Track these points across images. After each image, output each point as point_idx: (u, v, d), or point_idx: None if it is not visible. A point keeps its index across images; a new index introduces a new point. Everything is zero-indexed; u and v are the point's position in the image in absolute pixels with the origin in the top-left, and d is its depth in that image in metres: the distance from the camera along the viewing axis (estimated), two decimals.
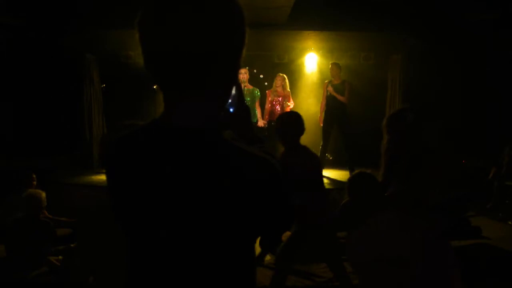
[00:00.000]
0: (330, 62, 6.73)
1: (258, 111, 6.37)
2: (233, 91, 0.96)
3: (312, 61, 7.96)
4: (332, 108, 6.32)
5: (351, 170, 6.41)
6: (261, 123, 6.46)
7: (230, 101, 0.96)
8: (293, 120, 2.91)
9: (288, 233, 2.89)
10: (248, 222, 0.78)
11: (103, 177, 5.54)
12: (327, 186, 5.73)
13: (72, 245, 3.70)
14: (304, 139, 7.77)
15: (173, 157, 0.79)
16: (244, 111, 1.02)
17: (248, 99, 6.25)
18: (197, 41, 0.76)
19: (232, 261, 0.81)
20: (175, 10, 0.75)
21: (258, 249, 4.42)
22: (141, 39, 0.79)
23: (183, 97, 0.81)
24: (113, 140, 0.88)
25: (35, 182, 4.70)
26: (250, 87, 6.35)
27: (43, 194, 3.71)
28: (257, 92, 6.38)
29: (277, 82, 6.66)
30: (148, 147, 0.82)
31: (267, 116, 6.72)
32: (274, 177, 0.79)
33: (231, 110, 0.99)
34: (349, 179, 2.52)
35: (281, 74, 6.77)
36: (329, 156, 7.15)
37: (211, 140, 0.80)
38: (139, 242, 0.85)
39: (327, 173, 6.55)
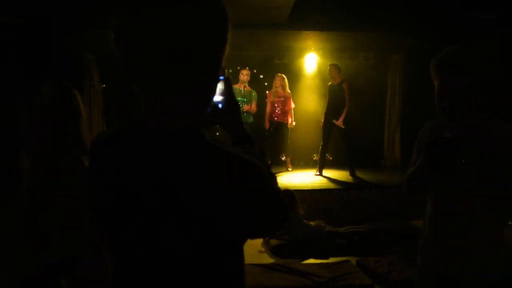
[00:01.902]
0: (329, 64, 6.73)
1: (251, 108, 6.32)
2: (222, 86, 0.94)
3: (312, 61, 7.96)
4: (332, 109, 6.32)
5: (351, 170, 6.42)
6: (253, 106, 6.36)
7: (220, 97, 0.94)
8: None
9: None
10: (231, 225, 0.75)
11: None
12: (327, 186, 5.73)
13: None
14: (305, 139, 7.80)
15: (149, 159, 0.76)
16: (233, 107, 0.98)
17: (245, 100, 6.25)
18: (176, 38, 0.73)
19: (217, 265, 0.79)
20: (154, 5, 0.73)
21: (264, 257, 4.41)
22: (119, 36, 0.77)
23: (161, 96, 0.79)
24: (91, 143, 0.87)
25: None
26: (248, 88, 6.36)
27: None
28: (255, 94, 6.39)
29: (277, 82, 6.68)
30: (123, 149, 0.80)
31: (268, 117, 6.73)
32: (256, 179, 0.76)
33: (220, 106, 0.96)
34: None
35: (280, 74, 6.78)
36: (329, 156, 7.16)
37: (189, 141, 0.77)
38: (117, 247, 0.84)
39: (327, 173, 6.55)
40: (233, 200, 0.73)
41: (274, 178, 0.88)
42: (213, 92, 0.86)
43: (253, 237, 0.84)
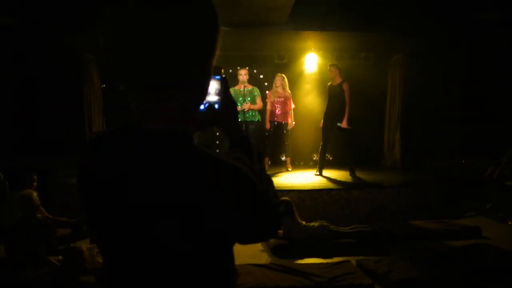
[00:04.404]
0: (329, 64, 6.72)
1: (256, 106, 6.29)
2: (219, 86, 0.92)
3: (312, 61, 7.96)
4: (332, 109, 6.31)
5: (351, 170, 6.42)
6: (258, 102, 6.35)
7: (216, 97, 0.92)
8: None
9: None
10: (214, 230, 0.74)
11: None
12: (327, 186, 5.73)
13: (72, 245, 3.70)
14: (305, 139, 7.86)
15: (132, 164, 0.75)
16: (230, 107, 0.95)
17: (249, 98, 6.25)
18: (165, 39, 0.72)
19: (203, 271, 0.78)
20: (144, 6, 0.73)
21: (264, 256, 4.41)
22: (107, 37, 0.76)
23: (149, 98, 0.78)
24: (81, 145, 0.87)
25: (35, 183, 4.71)
26: (250, 86, 6.35)
27: (34, 194, 3.72)
28: (257, 92, 6.38)
29: (277, 82, 6.68)
30: (110, 150, 0.79)
31: (268, 117, 6.72)
32: (239, 185, 0.74)
33: (216, 106, 0.93)
34: None
35: (280, 74, 6.78)
36: (329, 156, 7.15)
37: (175, 144, 0.76)
38: (105, 249, 0.84)
39: (327, 173, 6.55)
40: (215, 206, 0.72)
41: (270, 182, 0.86)
42: (202, 95, 0.84)
43: (242, 242, 0.82)
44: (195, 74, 0.79)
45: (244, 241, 0.82)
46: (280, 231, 4.11)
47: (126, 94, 0.80)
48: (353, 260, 3.89)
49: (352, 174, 6.38)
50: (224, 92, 0.93)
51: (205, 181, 0.72)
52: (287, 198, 4.66)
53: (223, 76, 0.92)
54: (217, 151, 0.82)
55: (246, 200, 0.75)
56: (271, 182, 0.87)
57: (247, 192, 0.75)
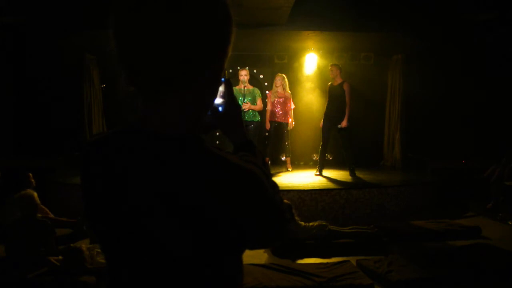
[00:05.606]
0: (330, 64, 6.72)
1: (256, 106, 6.28)
2: (223, 89, 0.90)
3: (312, 61, 7.96)
4: (332, 109, 6.31)
5: (351, 170, 6.42)
6: (258, 103, 6.32)
7: (221, 100, 0.91)
8: None
9: None
10: (226, 235, 0.73)
11: None
12: (327, 186, 5.73)
13: (72, 245, 3.70)
14: (305, 139, 7.88)
15: (140, 165, 0.74)
16: (234, 110, 0.94)
17: (249, 98, 6.24)
18: (176, 37, 0.72)
19: (208, 274, 0.77)
20: (155, 4, 0.71)
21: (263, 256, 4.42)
22: (117, 35, 0.75)
23: (159, 99, 0.76)
24: (85, 144, 0.85)
25: (33, 180, 4.71)
26: (250, 87, 6.34)
27: (34, 194, 3.72)
28: (257, 93, 6.37)
29: (277, 82, 6.67)
30: (115, 154, 0.78)
31: (268, 117, 6.73)
32: (254, 190, 0.73)
33: (220, 109, 0.91)
34: None
35: (280, 74, 6.78)
36: (329, 156, 7.15)
37: (187, 146, 0.74)
38: (107, 249, 0.83)
39: (327, 173, 6.55)
40: (228, 210, 0.71)
41: (276, 187, 0.85)
42: (214, 95, 0.84)
43: (251, 247, 0.81)
44: (206, 75, 0.77)
45: (252, 246, 0.81)
46: None
47: (134, 95, 0.79)
48: (353, 260, 3.89)
49: (352, 174, 6.38)
50: (228, 94, 0.91)
51: (215, 183, 0.71)
52: (286, 200, 4.66)
53: (227, 78, 0.90)
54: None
55: (257, 204, 0.73)
56: (277, 187, 0.85)
57: (259, 196, 0.74)
